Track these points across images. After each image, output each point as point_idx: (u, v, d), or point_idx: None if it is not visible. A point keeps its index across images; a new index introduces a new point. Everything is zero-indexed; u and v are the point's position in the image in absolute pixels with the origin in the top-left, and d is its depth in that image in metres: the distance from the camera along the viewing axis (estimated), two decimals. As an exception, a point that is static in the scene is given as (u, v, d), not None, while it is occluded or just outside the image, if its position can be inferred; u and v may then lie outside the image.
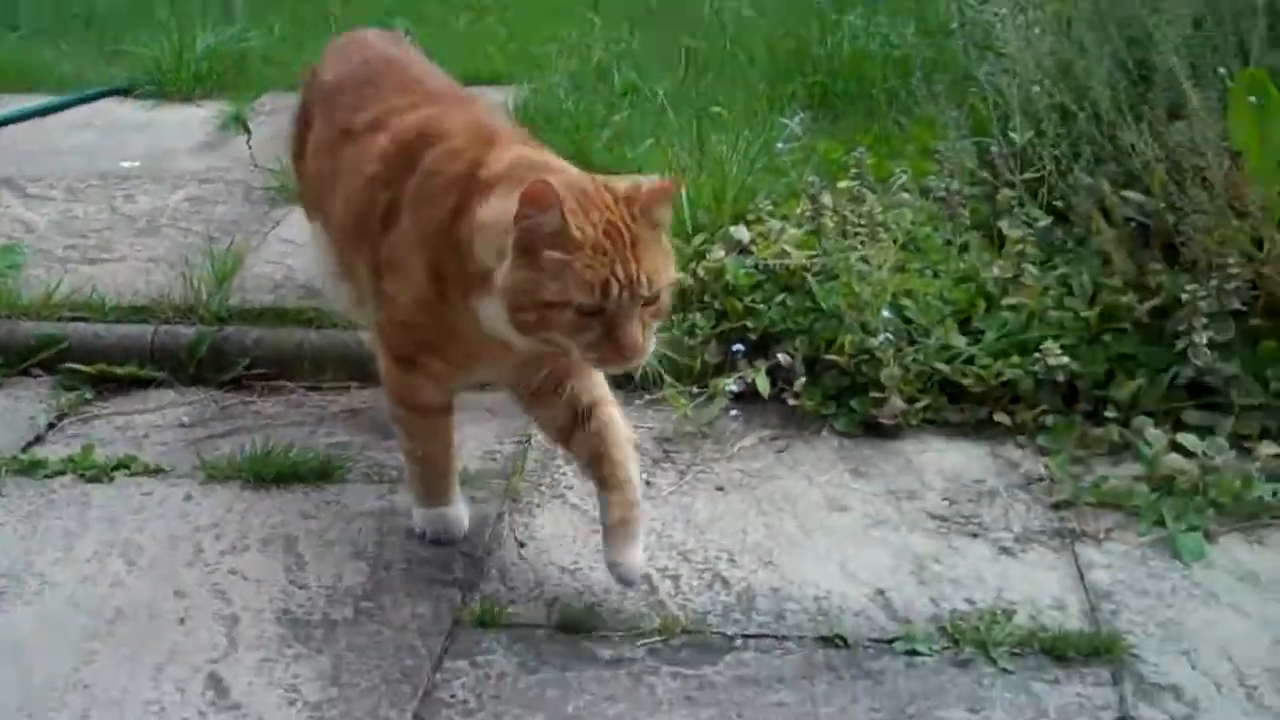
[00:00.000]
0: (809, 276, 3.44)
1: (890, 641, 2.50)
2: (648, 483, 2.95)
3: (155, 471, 3.10)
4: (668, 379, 3.21)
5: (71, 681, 2.43)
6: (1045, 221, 3.62)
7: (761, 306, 3.43)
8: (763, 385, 3.28)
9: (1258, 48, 3.53)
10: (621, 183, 2.40)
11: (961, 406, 3.24)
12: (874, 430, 3.19)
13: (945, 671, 2.43)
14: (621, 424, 2.65)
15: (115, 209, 4.51)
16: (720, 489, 3.01)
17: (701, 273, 3.51)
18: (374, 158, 2.68)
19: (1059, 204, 3.66)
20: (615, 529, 2.53)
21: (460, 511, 2.81)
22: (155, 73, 5.94)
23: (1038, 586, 2.64)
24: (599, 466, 2.60)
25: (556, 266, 2.26)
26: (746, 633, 2.53)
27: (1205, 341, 3.17)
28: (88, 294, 3.77)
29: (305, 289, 3.78)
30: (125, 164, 4.98)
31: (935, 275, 3.49)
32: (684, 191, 3.59)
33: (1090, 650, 2.45)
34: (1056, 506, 2.90)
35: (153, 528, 2.88)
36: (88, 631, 2.56)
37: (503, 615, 2.58)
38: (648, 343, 2.34)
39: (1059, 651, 2.45)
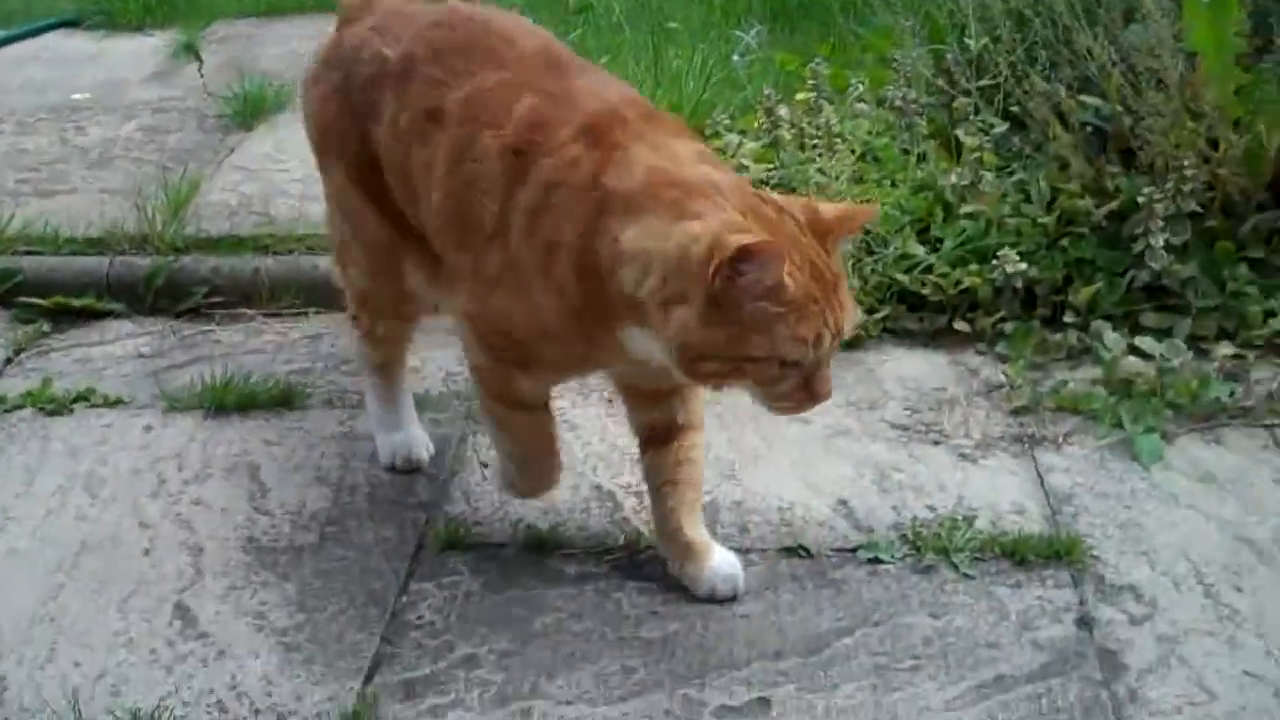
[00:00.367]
0: (767, 189, 3.43)
1: (853, 550, 2.52)
2: (609, 400, 2.95)
3: (115, 403, 3.08)
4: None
5: (38, 615, 2.43)
6: (1002, 128, 3.61)
7: (720, 221, 3.41)
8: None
9: (1211, -52, 3.51)
10: (800, 204, 2.13)
11: (921, 315, 3.25)
12: (834, 341, 3.20)
13: (908, 579, 2.45)
14: (700, 463, 2.49)
15: (67, 141, 4.46)
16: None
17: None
18: (475, 158, 2.30)
19: (1015, 110, 3.65)
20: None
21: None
22: (104, 3, 5.86)
23: (998, 492, 2.67)
24: (666, 497, 2.46)
25: (766, 321, 1.99)
26: (711, 546, 2.54)
27: (1162, 244, 3.19)
28: (41, 227, 3.73)
29: (261, 215, 3.75)
30: (76, 96, 4.92)
31: (893, 185, 3.48)
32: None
33: (1050, 553, 2.48)
34: (1016, 412, 2.92)
35: (114, 460, 2.87)
36: (53, 565, 2.56)
37: (468, 536, 2.59)
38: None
39: (1020, 555, 2.48)
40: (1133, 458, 2.76)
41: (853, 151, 3.52)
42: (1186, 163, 3.24)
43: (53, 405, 3.06)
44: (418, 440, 2.82)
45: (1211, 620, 2.33)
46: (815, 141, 3.54)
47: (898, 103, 3.70)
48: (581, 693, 2.23)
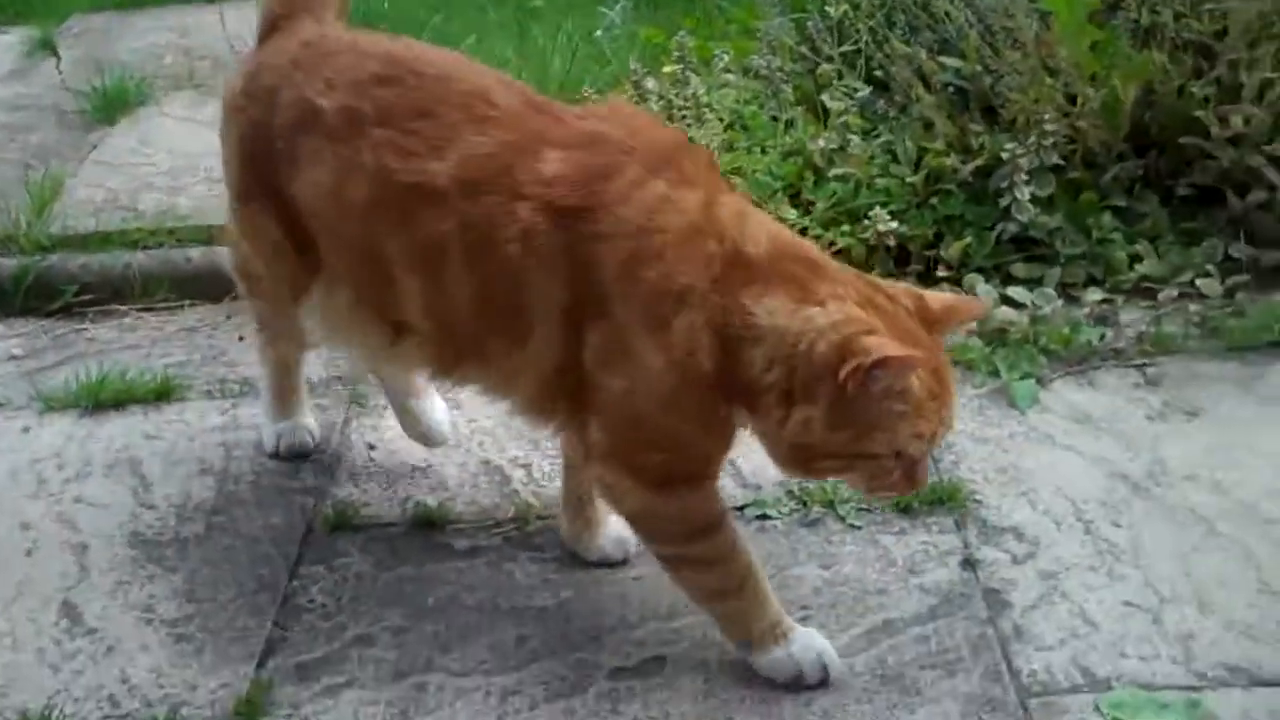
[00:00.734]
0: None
1: (742, 508, 2.54)
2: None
3: (-11, 406, 3.02)
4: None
5: (-81, 621, 2.38)
6: (866, 92, 3.66)
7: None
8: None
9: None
10: (905, 291, 2.06)
11: (797, 278, 3.28)
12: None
13: (795, 532, 2.49)
14: None
15: (-77, 144, 4.36)
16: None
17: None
18: (514, 238, 2.05)
19: (879, 74, 3.70)
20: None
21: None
22: (-48, 3, 5.71)
23: (880, 444, 2.71)
24: (578, 472, 2.38)
25: (890, 421, 1.94)
26: (601, 513, 2.56)
27: (1028, 197, 3.27)
28: (-99, 232, 3.64)
29: (129, 210, 3.70)
30: (-71, 98, 4.80)
31: (763, 152, 3.52)
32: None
33: (934, 500, 2.53)
34: (894, 367, 2.96)
35: (-9, 462, 2.83)
36: (-68, 571, 2.51)
37: (356, 517, 2.58)
38: None
39: (904, 503, 2.52)
40: (1010, 404, 2.82)
41: (721, 120, 3.55)
42: (1046, 118, 3.31)
43: (-75, 411, 3.00)
44: (303, 426, 2.79)
45: (1091, 555, 2.40)
46: (684, 112, 3.56)
47: (763, 71, 3.73)
48: (477, 664, 2.23)
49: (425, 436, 2.72)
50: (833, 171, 3.43)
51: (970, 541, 2.44)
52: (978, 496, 2.55)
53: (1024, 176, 3.26)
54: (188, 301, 3.41)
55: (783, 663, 2.15)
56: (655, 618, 2.30)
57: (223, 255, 3.42)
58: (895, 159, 3.46)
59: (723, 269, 1.98)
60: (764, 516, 2.52)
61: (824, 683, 2.14)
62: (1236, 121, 3.30)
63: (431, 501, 2.61)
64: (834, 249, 3.24)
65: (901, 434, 1.96)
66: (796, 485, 2.57)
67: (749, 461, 2.64)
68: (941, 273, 3.22)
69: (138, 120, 4.39)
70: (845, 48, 3.75)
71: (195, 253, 3.48)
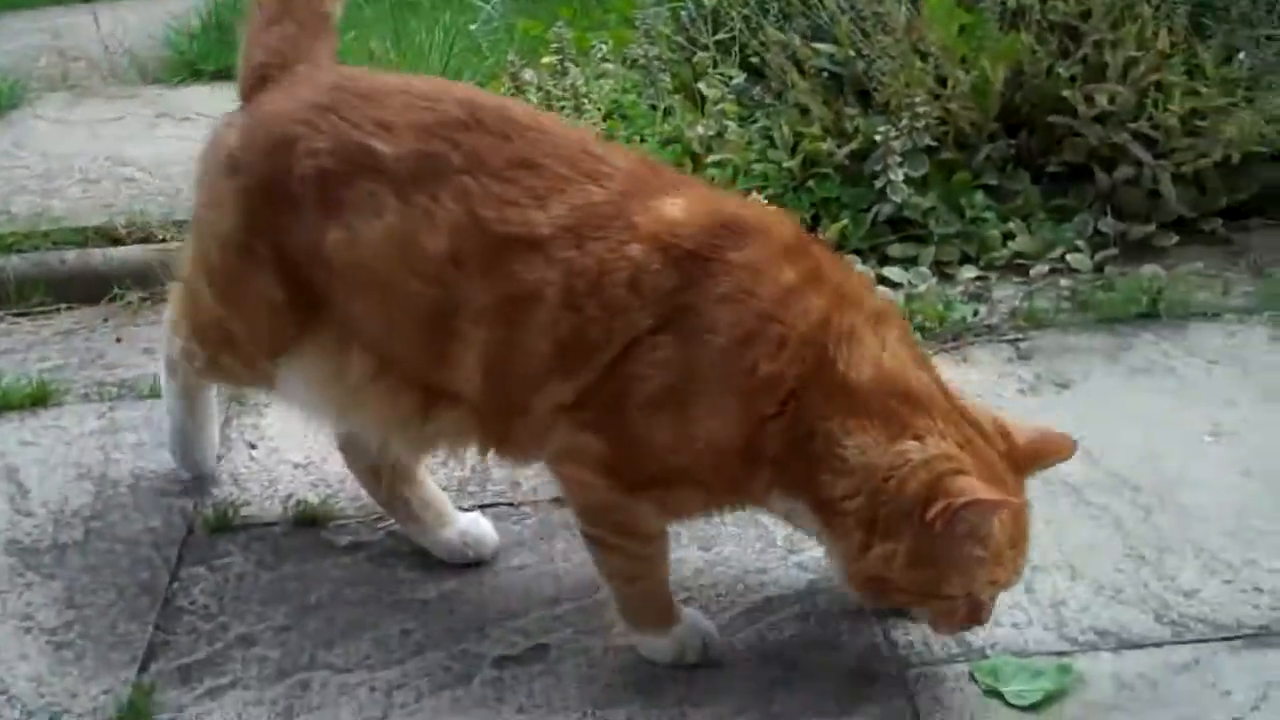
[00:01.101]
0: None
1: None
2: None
3: None
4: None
5: None
6: (741, 79, 3.70)
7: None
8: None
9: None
10: (997, 425, 2.03)
11: (677, 263, 3.31)
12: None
13: (677, 516, 2.51)
14: None
15: None
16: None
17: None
18: (623, 284, 1.97)
19: (754, 61, 3.74)
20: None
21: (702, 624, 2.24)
22: None
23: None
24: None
25: (969, 566, 1.94)
26: (483, 504, 2.56)
27: (902, 178, 3.33)
28: None
29: (1, 213, 3.64)
30: None
31: (642, 140, 3.54)
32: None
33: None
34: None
35: None
36: None
37: (237, 518, 2.57)
38: None
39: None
40: (885, 383, 2.86)
41: (600, 110, 3.57)
42: (918, 100, 3.37)
43: None
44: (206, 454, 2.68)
45: (965, 528, 2.44)
46: (563, 103, 3.58)
47: (641, 61, 3.76)
48: (361, 659, 2.23)
49: (479, 546, 2.45)
50: (711, 158, 3.46)
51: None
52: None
53: (898, 159, 3.32)
54: (64, 305, 3.37)
55: (665, 646, 2.17)
56: (540, 606, 2.31)
57: (97, 257, 3.42)
58: (772, 144, 3.50)
59: (822, 387, 1.95)
60: (645, 501, 2.54)
61: (705, 663, 2.17)
62: (1102, 100, 3.38)
63: (314, 499, 2.60)
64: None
65: (979, 579, 1.97)
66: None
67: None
68: (819, 255, 3.26)
69: (10, 123, 4.34)
70: (720, 36, 3.79)
71: (70, 255, 3.44)
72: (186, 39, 4.86)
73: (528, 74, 3.68)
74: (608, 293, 1.98)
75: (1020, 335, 3.02)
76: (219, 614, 2.35)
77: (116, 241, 3.51)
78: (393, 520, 2.49)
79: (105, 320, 3.30)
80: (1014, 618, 2.23)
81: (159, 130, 4.30)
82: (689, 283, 1.96)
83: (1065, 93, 3.40)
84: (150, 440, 2.81)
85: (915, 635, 2.21)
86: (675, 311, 1.96)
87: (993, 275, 3.22)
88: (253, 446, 2.78)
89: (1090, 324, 3.05)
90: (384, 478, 2.41)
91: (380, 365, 2.17)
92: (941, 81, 3.45)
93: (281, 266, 2.18)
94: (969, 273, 3.21)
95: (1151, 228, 3.33)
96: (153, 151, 4.07)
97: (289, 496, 2.62)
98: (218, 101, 4.25)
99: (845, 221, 3.29)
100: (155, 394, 2.92)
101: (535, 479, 2.61)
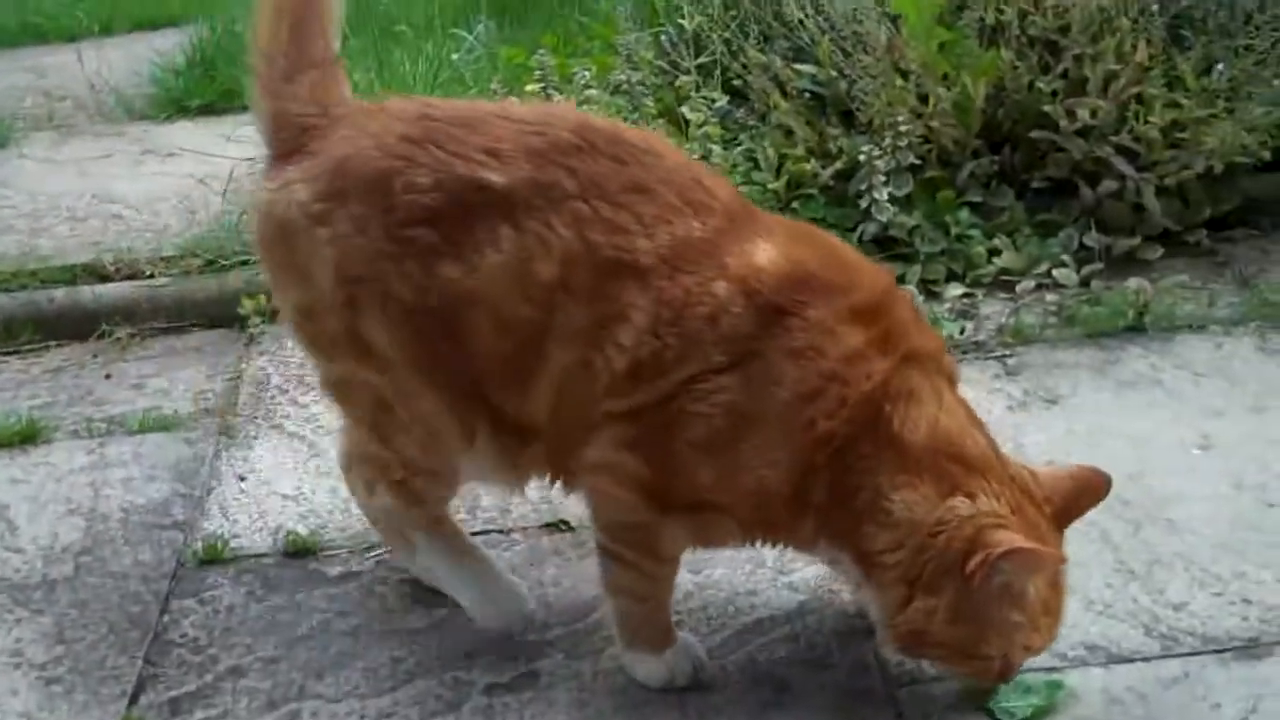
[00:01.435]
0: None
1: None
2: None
3: None
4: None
5: None
6: (724, 102, 3.72)
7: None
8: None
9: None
10: (1040, 486, 2.03)
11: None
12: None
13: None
14: None
15: None
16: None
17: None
18: (707, 318, 1.97)
19: (737, 83, 3.76)
20: None
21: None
22: None
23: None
24: None
25: (1007, 628, 1.96)
26: (474, 530, 2.55)
27: (886, 197, 3.33)
28: None
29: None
30: None
31: (626, 165, 3.54)
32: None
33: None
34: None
35: None
36: None
37: (227, 550, 2.56)
38: None
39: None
40: (873, 402, 2.86)
41: (584, 136, 3.57)
42: (901, 119, 3.38)
43: None
44: (518, 586, 2.40)
45: (954, 544, 2.44)
46: (547, 130, 3.58)
47: (624, 86, 3.78)
48: (351, 689, 2.22)
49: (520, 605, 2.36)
50: (696, 181, 3.46)
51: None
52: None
53: (882, 178, 3.33)
54: (53, 342, 3.37)
55: (657, 668, 2.17)
56: (529, 631, 2.31)
57: (86, 294, 3.43)
58: (757, 166, 3.51)
59: (875, 443, 1.96)
60: (635, 525, 2.54)
61: (695, 686, 2.16)
62: (1084, 114, 3.39)
63: (303, 530, 2.60)
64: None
65: (1015, 643, 1.98)
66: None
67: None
68: (805, 276, 3.27)
69: (-5, 162, 4.34)
70: (702, 59, 3.81)
71: (59, 293, 3.45)
72: (172, 75, 4.88)
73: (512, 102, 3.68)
74: (688, 324, 1.98)
75: (1008, 351, 3.02)
76: (209, 646, 2.34)
77: (105, 278, 3.52)
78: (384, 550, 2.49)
79: (94, 357, 3.30)
80: (1004, 633, 2.22)
81: (145, 167, 4.31)
82: (764, 331, 1.98)
83: (1047, 108, 3.41)
84: (139, 475, 2.82)
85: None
86: (746, 356, 1.97)
87: (979, 292, 3.23)
88: (242, 479, 2.78)
89: (1077, 339, 3.06)
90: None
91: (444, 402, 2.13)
92: (923, 99, 3.46)
93: (387, 311, 2.09)
94: (955, 290, 3.22)
95: (1136, 241, 3.34)
96: (140, 188, 4.09)
97: (278, 528, 2.61)
98: (204, 137, 4.33)
99: (831, 242, 3.29)
100: (144, 429, 2.96)
101: (524, 505, 2.61)
